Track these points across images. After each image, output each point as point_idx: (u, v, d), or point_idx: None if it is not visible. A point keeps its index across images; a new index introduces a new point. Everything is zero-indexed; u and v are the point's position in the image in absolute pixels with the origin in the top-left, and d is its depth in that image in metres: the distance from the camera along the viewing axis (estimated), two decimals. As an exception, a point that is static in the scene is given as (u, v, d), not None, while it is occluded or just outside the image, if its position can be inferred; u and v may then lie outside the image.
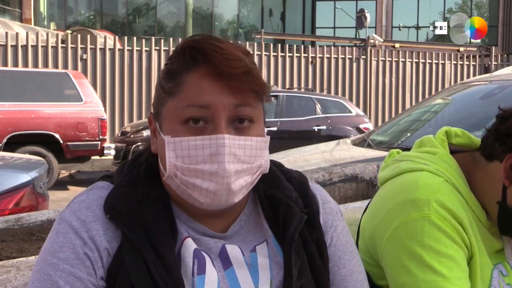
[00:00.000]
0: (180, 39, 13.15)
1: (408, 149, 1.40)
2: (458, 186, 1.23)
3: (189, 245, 0.97)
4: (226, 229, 1.02)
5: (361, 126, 10.66)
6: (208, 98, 0.93)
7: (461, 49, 17.91)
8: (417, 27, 27.63)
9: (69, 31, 15.05)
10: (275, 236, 1.03)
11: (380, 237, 1.24)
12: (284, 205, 1.03)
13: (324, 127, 10.52)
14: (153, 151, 1.02)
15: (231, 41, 1.01)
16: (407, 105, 14.91)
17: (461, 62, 16.37)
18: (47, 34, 12.60)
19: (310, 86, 14.19)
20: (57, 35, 12.99)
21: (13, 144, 8.54)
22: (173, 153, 0.94)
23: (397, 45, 17.44)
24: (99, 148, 9.18)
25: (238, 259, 1.00)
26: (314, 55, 14.57)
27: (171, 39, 13.54)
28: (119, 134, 10.74)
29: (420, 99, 14.85)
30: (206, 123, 0.94)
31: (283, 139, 9.61)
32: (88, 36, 12.89)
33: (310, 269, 1.02)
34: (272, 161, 1.10)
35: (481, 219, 1.24)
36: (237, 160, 0.94)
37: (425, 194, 1.19)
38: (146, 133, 9.58)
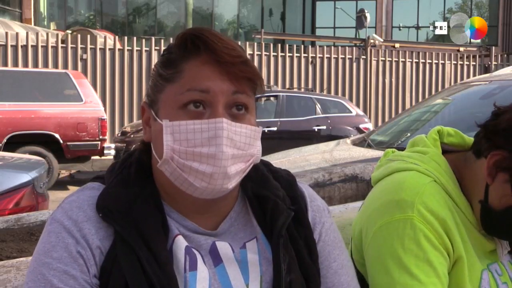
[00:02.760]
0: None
1: (405, 149, 1.40)
2: (446, 186, 1.22)
3: (181, 242, 0.98)
4: (216, 227, 1.03)
5: (361, 126, 10.65)
6: (208, 83, 0.96)
7: (461, 49, 17.89)
8: (417, 27, 27.63)
9: (69, 31, 15.06)
10: (264, 233, 1.04)
11: (365, 235, 1.24)
12: (271, 202, 1.04)
13: (324, 127, 10.51)
14: (145, 139, 1.04)
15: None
16: (407, 105, 14.90)
17: (461, 62, 16.37)
18: (47, 34, 12.60)
19: (310, 86, 14.18)
20: (57, 35, 12.99)
21: (13, 144, 8.53)
22: (170, 137, 0.95)
23: (397, 45, 17.43)
24: (99, 148, 9.18)
25: (228, 256, 1.00)
26: (314, 55, 14.57)
27: (171, 39, 13.53)
28: (119, 134, 10.75)
29: (420, 99, 14.84)
30: (204, 108, 0.96)
31: (283, 139, 9.61)
32: (88, 36, 12.89)
33: (299, 265, 1.02)
34: (260, 160, 1.11)
35: (471, 220, 1.22)
36: (234, 145, 0.95)
37: (410, 195, 1.18)
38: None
